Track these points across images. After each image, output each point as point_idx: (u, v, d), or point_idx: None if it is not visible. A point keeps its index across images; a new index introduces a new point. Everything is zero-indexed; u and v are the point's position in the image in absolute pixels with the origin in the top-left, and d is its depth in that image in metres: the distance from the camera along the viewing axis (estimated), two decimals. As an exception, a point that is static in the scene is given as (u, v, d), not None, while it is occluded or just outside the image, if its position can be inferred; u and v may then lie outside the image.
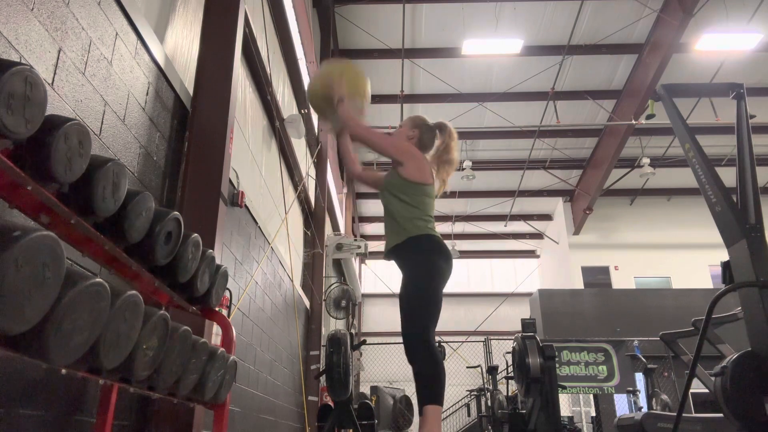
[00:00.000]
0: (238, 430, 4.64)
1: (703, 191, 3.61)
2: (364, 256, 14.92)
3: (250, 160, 5.54)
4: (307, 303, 8.96)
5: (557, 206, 17.19)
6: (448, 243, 2.73)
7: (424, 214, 2.61)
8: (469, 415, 14.83)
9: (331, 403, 4.72)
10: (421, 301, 2.44)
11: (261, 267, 5.70)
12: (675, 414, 3.53)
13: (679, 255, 15.59)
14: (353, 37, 11.27)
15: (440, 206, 17.17)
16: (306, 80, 8.62)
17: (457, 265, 20.30)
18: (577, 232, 16.34)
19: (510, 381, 8.27)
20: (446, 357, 7.39)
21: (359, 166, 3.04)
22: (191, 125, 3.65)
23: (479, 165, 14.63)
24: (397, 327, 2.54)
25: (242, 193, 4.80)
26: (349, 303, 8.94)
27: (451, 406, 16.01)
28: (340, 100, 2.67)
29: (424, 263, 2.49)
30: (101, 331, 1.53)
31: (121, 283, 2.22)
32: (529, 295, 14.61)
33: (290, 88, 7.98)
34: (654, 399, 7.11)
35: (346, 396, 4.47)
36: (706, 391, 4.92)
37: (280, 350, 6.74)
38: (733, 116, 3.71)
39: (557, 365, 6.83)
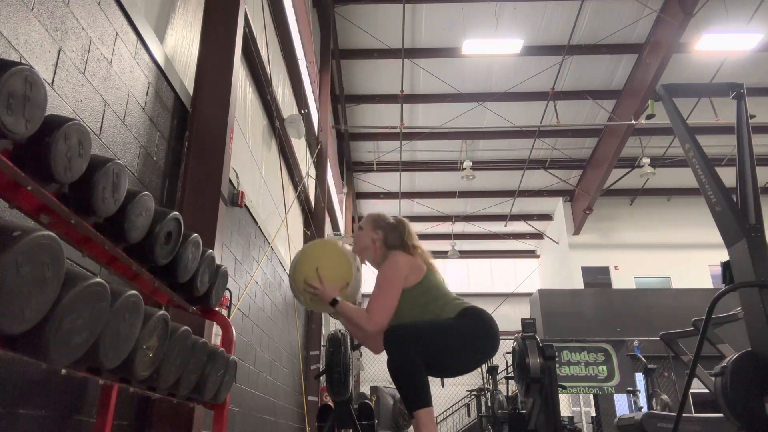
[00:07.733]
0: (238, 430, 4.64)
1: (703, 191, 3.61)
2: (364, 256, 14.88)
3: (250, 160, 5.54)
4: (307, 303, 8.94)
5: (557, 206, 17.19)
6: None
7: (445, 298, 2.49)
8: (469, 415, 14.84)
9: (331, 403, 4.72)
10: (441, 340, 2.30)
11: (261, 267, 5.70)
12: (675, 414, 3.53)
13: (679, 255, 15.58)
14: (353, 37, 11.27)
15: (440, 206, 17.17)
16: (306, 80, 8.61)
17: (457, 265, 20.34)
18: (577, 232, 16.33)
19: (510, 381, 8.27)
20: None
21: (372, 325, 2.40)
22: (191, 125, 3.65)
23: (479, 165, 14.62)
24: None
25: (242, 193, 4.80)
26: (349, 303, 8.92)
27: (451, 406, 16.01)
28: (333, 302, 2.45)
29: (464, 342, 2.35)
30: (101, 331, 1.53)
31: (121, 283, 2.22)
32: (529, 295, 14.61)
33: (290, 88, 7.98)
34: (654, 399, 7.11)
35: (346, 396, 4.47)
36: (706, 391, 4.92)
37: (280, 350, 6.74)
38: (733, 116, 3.71)
39: (557, 365, 6.82)
